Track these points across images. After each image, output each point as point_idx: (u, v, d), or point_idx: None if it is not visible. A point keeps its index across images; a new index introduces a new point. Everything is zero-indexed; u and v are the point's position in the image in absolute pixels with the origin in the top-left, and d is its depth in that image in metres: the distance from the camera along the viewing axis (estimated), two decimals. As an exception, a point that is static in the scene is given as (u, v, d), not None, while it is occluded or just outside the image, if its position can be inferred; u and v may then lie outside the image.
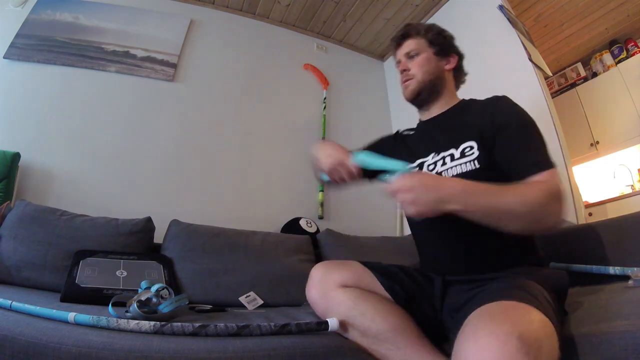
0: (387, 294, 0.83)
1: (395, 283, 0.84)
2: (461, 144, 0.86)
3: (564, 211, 0.69)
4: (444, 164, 0.87)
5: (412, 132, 1.07)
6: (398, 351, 0.72)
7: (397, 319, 0.76)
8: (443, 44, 1.00)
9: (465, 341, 0.51)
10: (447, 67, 0.99)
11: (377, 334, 0.75)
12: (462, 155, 0.85)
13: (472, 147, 0.84)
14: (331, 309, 0.81)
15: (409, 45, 1.00)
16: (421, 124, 1.05)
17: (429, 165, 0.91)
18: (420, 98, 0.98)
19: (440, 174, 0.87)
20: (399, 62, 1.03)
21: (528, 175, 0.74)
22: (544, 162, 0.75)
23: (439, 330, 0.80)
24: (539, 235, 0.88)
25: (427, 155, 0.94)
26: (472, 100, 0.98)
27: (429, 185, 0.66)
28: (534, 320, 0.52)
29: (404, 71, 1.00)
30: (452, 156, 0.87)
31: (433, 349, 0.73)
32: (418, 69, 0.97)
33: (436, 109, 0.99)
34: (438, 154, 0.90)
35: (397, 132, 1.11)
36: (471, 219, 0.68)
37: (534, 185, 0.71)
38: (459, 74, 1.04)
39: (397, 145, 1.07)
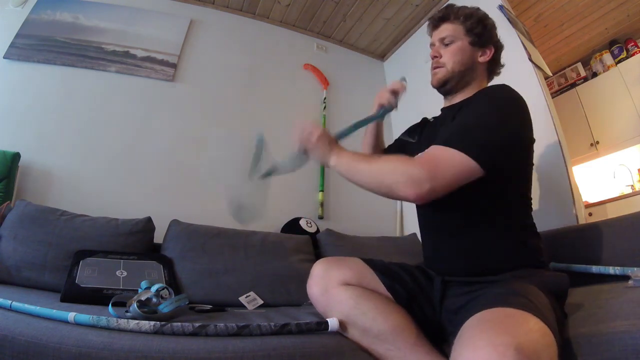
0: (388, 293, 0.83)
1: (396, 282, 0.84)
2: None
3: (414, 186, 0.69)
4: None
5: (433, 120, 1.06)
6: (398, 352, 0.72)
7: (398, 319, 0.76)
8: (481, 34, 0.94)
9: (463, 350, 0.50)
10: (482, 58, 0.95)
11: (378, 334, 0.74)
12: None
13: None
14: (332, 307, 0.81)
15: (446, 29, 0.95)
16: (442, 110, 1.03)
17: None
18: (446, 87, 0.96)
19: None
20: (432, 45, 0.99)
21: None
22: (452, 140, 0.73)
23: (439, 331, 0.80)
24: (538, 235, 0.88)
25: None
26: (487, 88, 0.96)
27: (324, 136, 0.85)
28: (533, 330, 0.51)
29: (435, 57, 0.96)
30: None
31: (432, 350, 0.73)
32: (450, 58, 0.94)
33: (459, 97, 0.96)
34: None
35: (424, 118, 1.11)
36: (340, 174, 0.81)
37: (395, 157, 0.80)
38: (494, 66, 1.00)
39: (419, 132, 1.07)
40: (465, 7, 0.97)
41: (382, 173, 0.76)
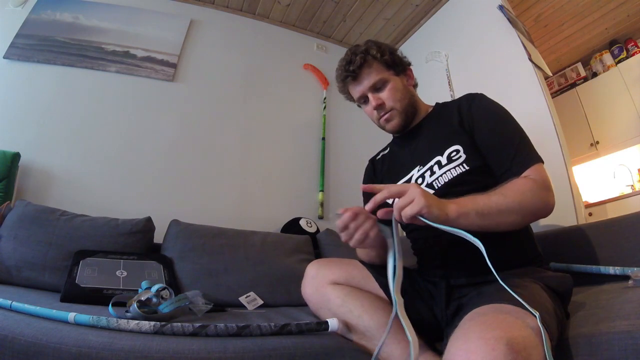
0: (379, 293, 0.83)
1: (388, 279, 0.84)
2: (445, 149, 0.85)
3: (552, 198, 0.73)
4: (432, 173, 0.85)
5: (387, 152, 1.05)
6: (385, 347, 0.72)
7: (384, 316, 0.76)
8: (400, 62, 0.94)
9: (455, 343, 0.51)
10: (409, 82, 0.96)
11: (365, 330, 0.76)
12: (450, 160, 0.83)
13: (458, 151, 0.83)
14: (323, 306, 0.84)
15: (371, 75, 0.90)
16: (397, 139, 1.02)
17: (417, 179, 0.89)
18: (406, 128, 0.95)
19: (430, 184, 0.85)
20: (362, 98, 0.94)
21: (513, 174, 0.76)
22: (526, 159, 0.76)
23: (432, 329, 0.79)
24: (537, 235, 0.88)
25: (411, 170, 0.91)
26: (444, 104, 0.96)
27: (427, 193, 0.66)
28: (528, 327, 0.51)
29: (379, 106, 0.90)
30: (439, 164, 0.85)
31: (421, 345, 0.73)
32: (392, 98, 0.90)
33: (413, 123, 0.97)
34: (424, 166, 0.88)
35: (372, 159, 1.09)
36: (467, 225, 0.66)
37: (520, 182, 0.73)
38: (415, 83, 1.00)
39: (377, 172, 1.04)
40: (368, 45, 0.93)
41: (525, 198, 0.70)
